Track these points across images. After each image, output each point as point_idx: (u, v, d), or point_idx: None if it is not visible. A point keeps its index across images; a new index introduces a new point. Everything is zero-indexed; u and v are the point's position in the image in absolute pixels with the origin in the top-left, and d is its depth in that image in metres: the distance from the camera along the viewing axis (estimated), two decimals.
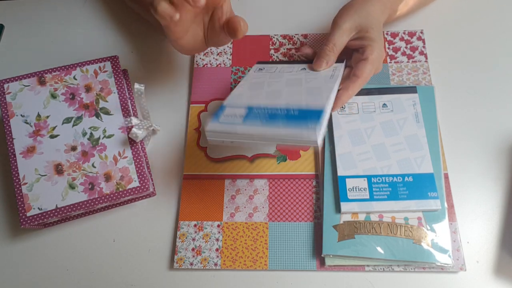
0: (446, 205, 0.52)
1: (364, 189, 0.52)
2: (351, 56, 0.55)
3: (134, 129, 0.53)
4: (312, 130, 0.41)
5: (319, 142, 0.42)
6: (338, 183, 0.52)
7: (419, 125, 0.54)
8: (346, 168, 0.53)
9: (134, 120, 0.55)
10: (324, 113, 0.43)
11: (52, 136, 0.55)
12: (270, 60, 0.62)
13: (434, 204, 0.50)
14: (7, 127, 0.55)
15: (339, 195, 0.52)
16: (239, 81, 0.53)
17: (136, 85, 0.55)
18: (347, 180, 0.52)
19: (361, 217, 0.51)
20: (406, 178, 0.52)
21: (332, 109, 0.50)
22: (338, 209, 0.52)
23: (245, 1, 0.69)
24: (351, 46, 0.55)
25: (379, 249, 0.49)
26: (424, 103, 0.56)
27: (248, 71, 0.58)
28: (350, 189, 0.52)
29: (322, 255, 0.50)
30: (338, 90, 0.51)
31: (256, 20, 0.67)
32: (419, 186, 0.51)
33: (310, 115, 0.43)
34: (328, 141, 0.56)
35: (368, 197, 0.51)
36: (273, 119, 0.43)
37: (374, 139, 0.54)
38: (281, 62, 0.56)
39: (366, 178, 0.52)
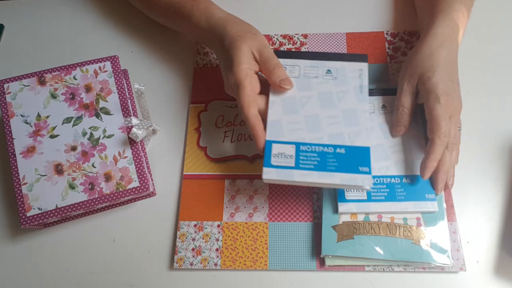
0: (444, 205, 0.52)
1: (362, 190, 0.51)
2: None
3: (134, 129, 0.53)
4: (366, 176, 0.46)
5: (371, 186, 0.46)
6: None
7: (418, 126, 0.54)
8: None
9: (134, 120, 0.55)
10: (370, 153, 0.48)
11: (52, 136, 0.55)
12: (285, 50, 0.57)
13: (431, 206, 0.50)
14: (7, 127, 0.55)
15: (337, 196, 0.52)
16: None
17: (136, 85, 0.55)
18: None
19: (360, 218, 0.51)
20: (404, 179, 0.52)
21: (422, 176, 0.48)
22: (336, 210, 0.52)
23: (245, 0, 0.69)
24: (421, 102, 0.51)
25: (378, 249, 0.49)
26: None
27: None
28: (348, 190, 0.52)
29: (322, 256, 0.50)
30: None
31: (256, 20, 0.67)
32: (416, 187, 0.51)
33: (358, 156, 0.47)
34: None
35: (365, 198, 0.51)
36: (324, 163, 0.47)
37: (372, 140, 0.54)
38: (299, 54, 0.54)
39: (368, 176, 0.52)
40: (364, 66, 0.52)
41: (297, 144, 0.49)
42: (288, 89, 0.51)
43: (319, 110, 0.50)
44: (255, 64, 0.51)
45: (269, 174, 0.48)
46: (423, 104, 0.50)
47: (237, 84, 0.49)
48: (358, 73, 0.52)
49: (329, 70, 0.52)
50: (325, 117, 0.50)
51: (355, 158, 0.47)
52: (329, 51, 0.55)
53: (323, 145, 0.48)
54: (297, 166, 0.48)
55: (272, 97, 0.51)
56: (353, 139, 0.48)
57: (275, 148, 0.49)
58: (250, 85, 0.49)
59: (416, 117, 0.55)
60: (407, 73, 0.51)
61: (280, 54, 0.54)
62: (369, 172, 0.47)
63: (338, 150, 0.48)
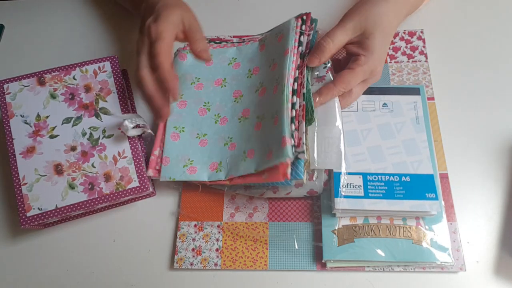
0: (443, 204, 0.52)
1: (358, 186, 0.51)
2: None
3: (126, 122, 0.52)
4: (433, 202, 0.49)
5: (439, 211, 0.50)
6: (334, 179, 0.52)
7: (419, 127, 0.54)
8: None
9: (127, 115, 0.54)
10: (434, 179, 0.51)
11: (51, 136, 0.55)
12: None
13: (430, 208, 0.50)
14: (7, 127, 0.55)
15: (334, 192, 0.51)
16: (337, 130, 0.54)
17: None
18: (342, 176, 0.52)
19: (360, 221, 0.51)
20: (403, 178, 0.51)
21: (316, 104, 0.52)
22: (335, 214, 0.51)
23: (245, 1, 0.69)
24: (348, 50, 0.54)
25: (379, 251, 0.49)
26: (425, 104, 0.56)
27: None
28: (344, 186, 0.51)
29: (323, 261, 0.50)
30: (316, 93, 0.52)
31: (255, 20, 0.67)
32: (416, 186, 0.51)
33: (423, 183, 0.51)
34: None
35: (362, 194, 0.51)
36: (392, 191, 0.50)
37: (370, 141, 0.54)
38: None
39: (361, 176, 0.52)
40: (418, 99, 0.56)
41: (364, 175, 0.52)
42: (205, 59, 0.52)
43: (380, 141, 0.54)
44: (181, 32, 0.52)
45: (340, 204, 0.50)
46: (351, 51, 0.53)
47: (158, 33, 0.48)
48: (413, 105, 0.56)
49: (385, 104, 0.56)
50: (387, 147, 0.53)
51: (421, 185, 0.51)
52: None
53: (389, 174, 0.52)
54: (366, 195, 0.50)
55: None
56: (416, 167, 0.52)
57: (343, 179, 0.52)
58: (170, 39, 0.49)
59: (418, 119, 0.55)
60: (356, 17, 0.52)
61: None
62: (436, 198, 0.50)
63: (403, 178, 0.51)
